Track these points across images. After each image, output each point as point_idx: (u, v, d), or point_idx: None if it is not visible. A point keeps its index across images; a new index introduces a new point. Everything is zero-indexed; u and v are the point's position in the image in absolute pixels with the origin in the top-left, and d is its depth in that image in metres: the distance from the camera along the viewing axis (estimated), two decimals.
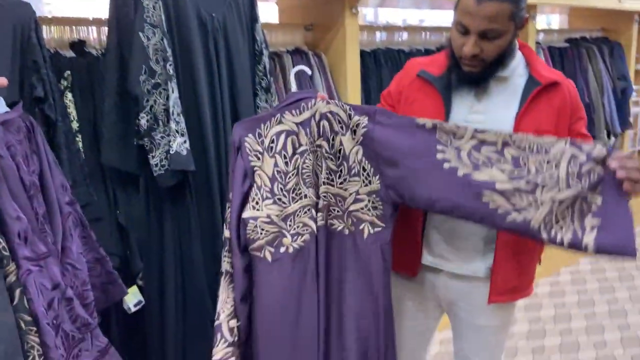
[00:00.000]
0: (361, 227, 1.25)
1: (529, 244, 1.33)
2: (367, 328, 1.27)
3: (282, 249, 1.25)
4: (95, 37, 1.80)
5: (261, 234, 1.24)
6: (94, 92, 1.67)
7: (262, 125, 1.26)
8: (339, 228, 1.26)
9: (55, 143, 1.39)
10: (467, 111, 1.33)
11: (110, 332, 1.71)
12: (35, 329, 1.13)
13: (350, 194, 1.25)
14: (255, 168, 1.25)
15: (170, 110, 1.58)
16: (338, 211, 1.26)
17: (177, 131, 1.59)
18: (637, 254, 1.07)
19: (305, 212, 1.25)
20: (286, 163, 1.25)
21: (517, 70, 1.34)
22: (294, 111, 1.25)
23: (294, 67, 2.13)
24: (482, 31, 1.22)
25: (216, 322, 1.22)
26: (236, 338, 1.22)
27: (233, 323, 1.22)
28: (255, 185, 1.25)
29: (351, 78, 2.18)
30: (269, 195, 1.24)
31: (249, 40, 1.81)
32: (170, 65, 1.58)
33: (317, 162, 1.25)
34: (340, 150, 1.24)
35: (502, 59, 1.29)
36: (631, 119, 3.74)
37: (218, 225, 1.76)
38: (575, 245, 1.10)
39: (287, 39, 2.25)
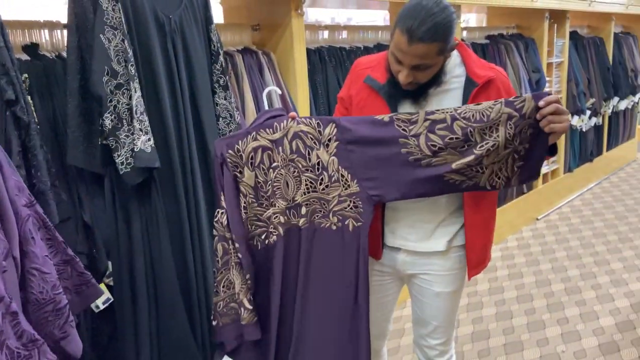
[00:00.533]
0: (346, 222, 1.42)
1: (489, 224, 1.54)
2: (345, 304, 1.45)
3: (266, 242, 1.48)
4: (48, 39, 1.79)
5: (251, 228, 1.48)
6: (53, 94, 1.66)
7: (240, 142, 1.42)
8: (327, 225, 1.44)
9: (32, 145, 1.39)
10: None
11: (80, 332, 1.71)
12: None
13: (333, 197, 1.41)
14: (239, 179, 1.43)
15: (134, 110, 1.62)
16: (323, 212, 1.43)
17: (141, 129, 1.63)
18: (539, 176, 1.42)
19: (276, 218, 1.45)
20: (265, 174, 1.42)
21: (454, 71, 1.42)
22: (267, 130, 1.41)
23: (245, 65, 2.21)
24: (414, 65, 1.30)
25: (237, 300, 1.46)
26: (252, 306, 1.48)
27: (249, 296, 1.47)
28: (241, 194, 1.44)
29: (299, 74, 2.30)
30: (254, 200, 1.44)
31: (205, 41, 1.88)
32: (132, 65, 1.61)
33: (293, 176, 1.41)
34: (318, 162, 1.40)
35: (436, 79, 1.38)
36: None
37: (184, 219, 1.81)
38: (508, 185, 1.37)
39: (236, 39, 2.32)
